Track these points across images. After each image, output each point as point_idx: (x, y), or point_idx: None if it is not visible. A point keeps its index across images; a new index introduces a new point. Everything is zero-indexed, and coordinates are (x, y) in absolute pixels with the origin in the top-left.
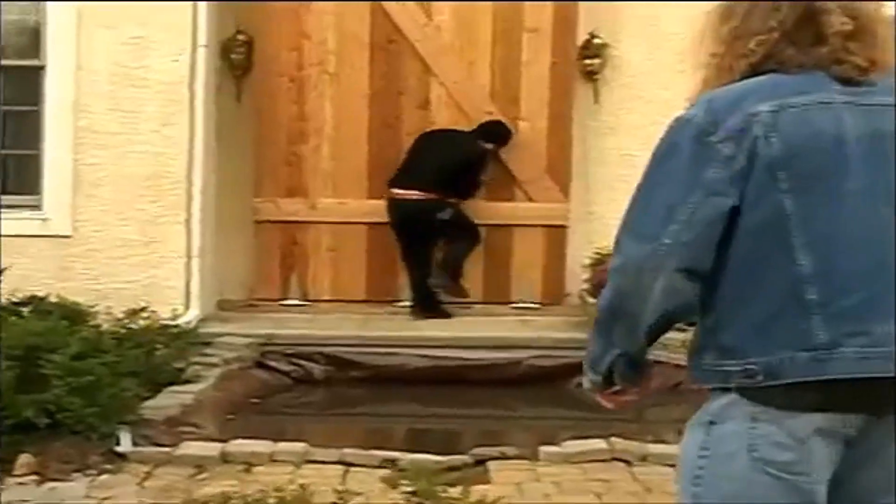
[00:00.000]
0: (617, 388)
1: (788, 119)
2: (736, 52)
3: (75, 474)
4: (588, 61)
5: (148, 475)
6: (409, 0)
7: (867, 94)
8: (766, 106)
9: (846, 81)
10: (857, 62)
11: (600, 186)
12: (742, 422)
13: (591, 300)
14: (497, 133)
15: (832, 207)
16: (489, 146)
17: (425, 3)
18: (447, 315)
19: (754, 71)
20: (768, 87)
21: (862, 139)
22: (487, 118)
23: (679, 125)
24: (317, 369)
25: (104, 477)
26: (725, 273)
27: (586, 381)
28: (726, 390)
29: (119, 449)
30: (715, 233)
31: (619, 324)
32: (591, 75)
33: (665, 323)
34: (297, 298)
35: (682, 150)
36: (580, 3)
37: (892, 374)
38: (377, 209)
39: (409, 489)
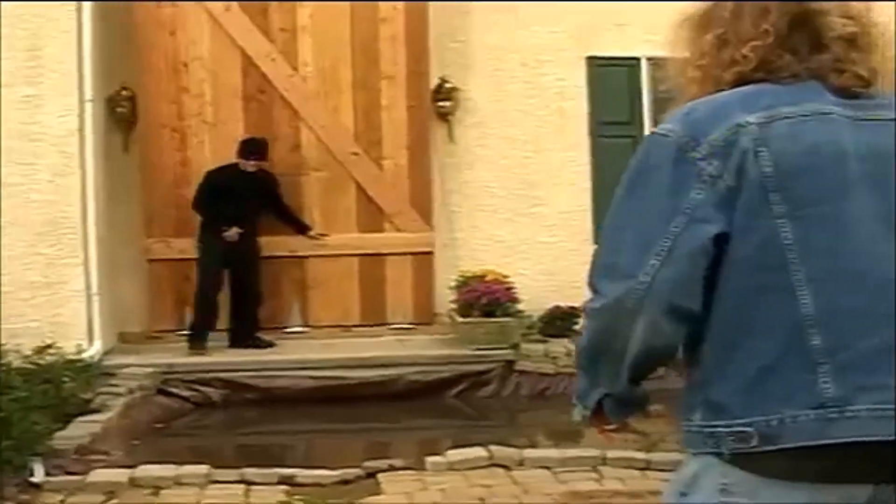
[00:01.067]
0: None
1: (781, 132)
2: (723, 60)
3: None
4: (441, 104)
5: (62, 503)
6: (276, 54)
7: (867, 107)
8: (755, 117)
9: (844, 93)
10: (859, 71)
11: (461, 215)
12: (711, 494)
13: (459, 318)
14: (257, 147)
15: (835, 236)
16: (253, 163)
17: (291, 55)
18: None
19: (744, 81)
20: (756, 96)
21: (863, 157)
22: (353, 159)
23: (652, 143)
24: (214, 394)
25: None
26: (714, 316)
27: (577, 413)
28: (703, 454)
29: (33, 479)
30: (700, 266)
31: (601, 364)
32: (444, 116)
33: (651, 363)
34: (189, 329)
35: (657, 172)
36: (430, 50)
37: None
38: (260, 244)
39: None
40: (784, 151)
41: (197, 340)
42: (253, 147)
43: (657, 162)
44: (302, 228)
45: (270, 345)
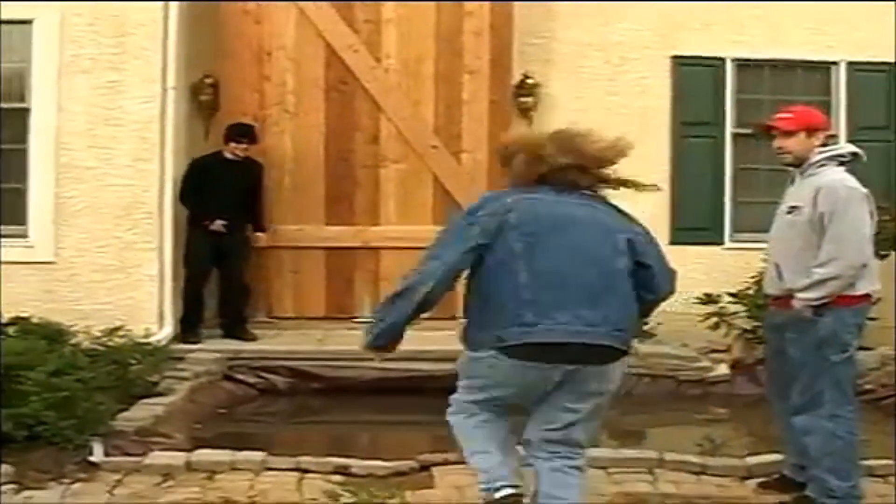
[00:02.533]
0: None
1: (521, 205)
2: (517, 174)
3: (51, 483)
4: (522, 99)
5: (118, 483)
6: (360, 45)
7: (572, 195)
8: (511, 199)
9: (560, 189)
10: (569, 179)
11: None
12: (484, 366)
13: None
14: (243, 132)
15: (543, 251)
16: (241, 149)
17: (374, 47)
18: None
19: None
20: (518, 191)
21: (561, 217)
22: (432, 152)
23: (462, 212)
24: (280, 381)
25: (77, 485)
26: (479, 285)
27: (368, 340)
28: (478, 350)
29: (92, 459)
30: (468, 260)
31: (402, 302)
32: (525, 112)
33: (427, 306)
34: (262, 316)
35: (461, 219)
36: (514, 45)
37: (566, 341)
38: (335, 235)
39: (350, 501)
40: (521, 213)
41: (188, 334)
42: (239, 131)
43: (458, 219)
44: (258, 227)
45: (254, 338)
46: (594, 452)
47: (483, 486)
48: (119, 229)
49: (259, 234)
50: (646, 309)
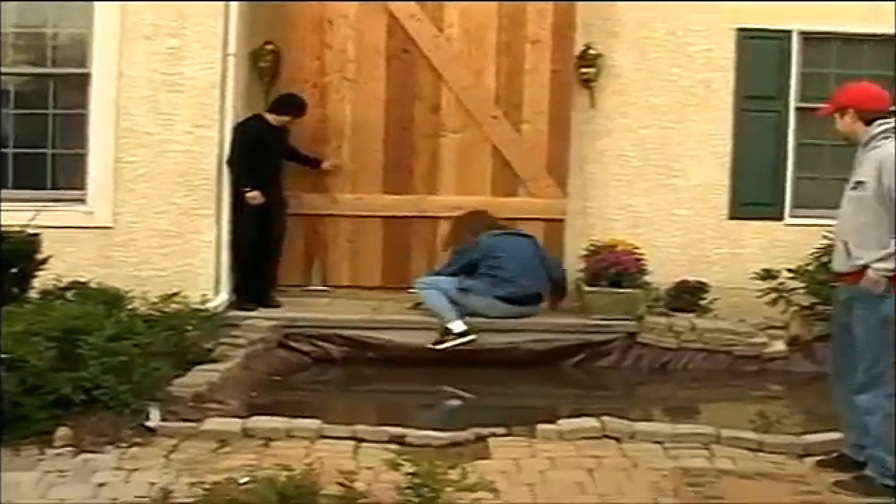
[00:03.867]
0: None
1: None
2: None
3: (108, 447)
4: (584, 70)
5: (174, 448)
6: (422, 14)
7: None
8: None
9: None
10: None
11: (596, 184)
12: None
13: (586, 287)
14: (291, 104)
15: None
16: (285, 118)
17: (436, 17)
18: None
19: None
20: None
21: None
22: (493, 122)
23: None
24: (335, 350)
25: (134, 450)
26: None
27: None
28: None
29: (149, 424)
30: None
31: None
32: (587, 83)
33: None
34: (317, 285)
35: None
36: (577, 16)
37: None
38: (393, 204)
39: (411, 471)
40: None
41: (244, 301)
42: (293, 104)
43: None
44: (315, 163)
45: (278, 305)
46: (651, 427)
47: None
48: (177, 195)
49: (326, 164)
50: None
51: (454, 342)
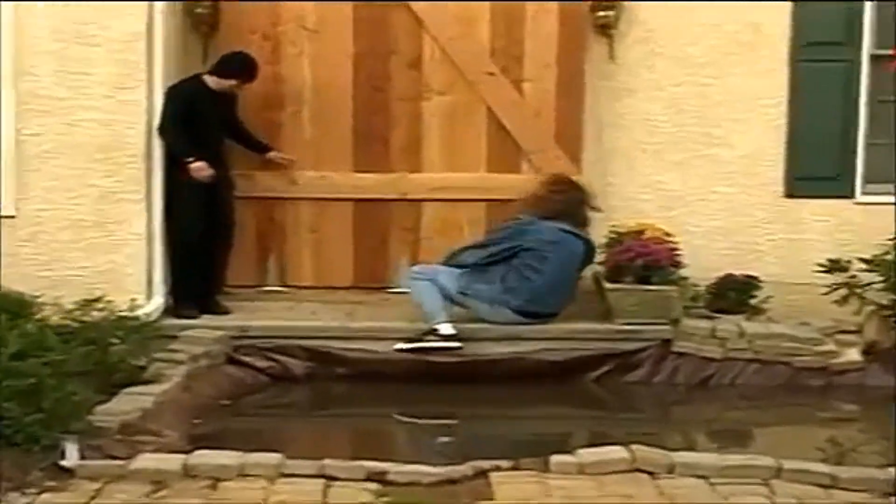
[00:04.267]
0: None
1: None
2: None
3: (12, 494)
4: (601, 13)
5: (97, 493)
6: None
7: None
8: None
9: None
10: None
11: (617, 155)
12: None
13: (608, 284)
14: (237, 66)
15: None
16: (230, 83)
17: None
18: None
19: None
20: None
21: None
22: (487, 80)
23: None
24: (297, 365)
25: (46, 496)
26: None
27: None
28: None
29: (64, 463)
30: None
31: None
32: (604, 29)
33: None
34: (274, 284)
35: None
36: None
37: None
38: (365, 184)
39: None
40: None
41: (183, 306)
42: (239, 65)
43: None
44: (262, 149)
45: (226, 311)
46: (693, 458)
47: None
48: (96, 175)
49: (275, 154)
50: None
51: (433, 344)
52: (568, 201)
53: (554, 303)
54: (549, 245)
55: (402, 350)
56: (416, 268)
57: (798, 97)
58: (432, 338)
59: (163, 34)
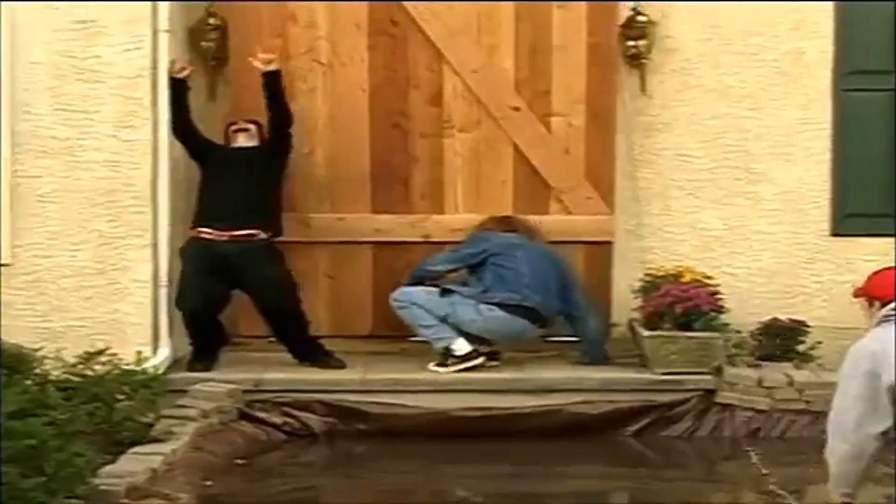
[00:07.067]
0: None
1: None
2: None
3: None
4: (632, 42)
5: None
6: None
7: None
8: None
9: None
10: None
11: (652, 193)
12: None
13: (645, 332)
14: None
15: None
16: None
17: None
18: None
19: None
20: None
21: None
22: (513, 115)
23: None
24: (315, 421)
25: None
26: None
27: None
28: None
29: None
30: None
31: None
32: (636, 59)
33: None
34: None
35: None
36: None
37: None
38: (385, 226)
39: None
40: None
41: (198, 359)
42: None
43: None
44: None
45: (340, 366)
46: None
47: None
48: (98, 220)
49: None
50: None
51: (459, 366)
52: (499, 225)
53: (543, 300)
54: (515, 248)
55: (437, 371)
56: (394, 295)
57: (843, 129)
58: (452, 360)
59: (167, 69)
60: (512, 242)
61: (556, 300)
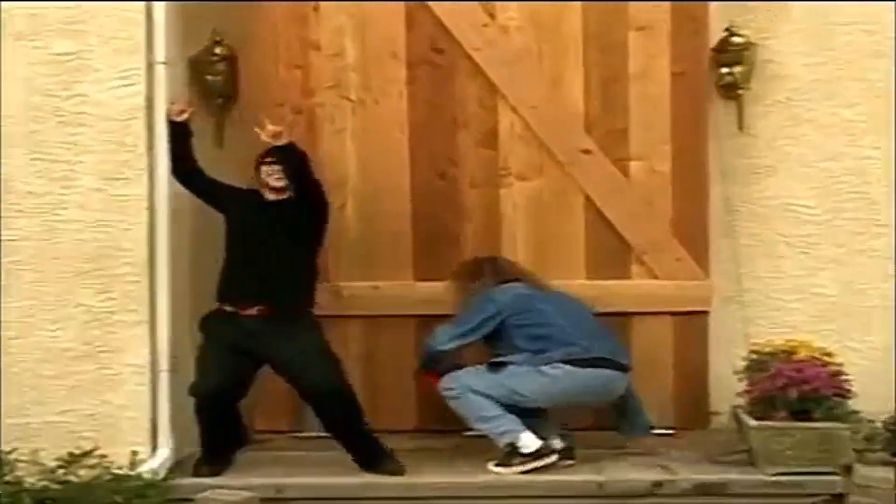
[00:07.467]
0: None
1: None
2: None
3: None
4: (727, 69)
5: None
6: None
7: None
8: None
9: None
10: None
11: (756, 252)
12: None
13: (752, 422)
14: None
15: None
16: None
17: None
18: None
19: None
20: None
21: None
22: (584, 159)
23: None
24: None
25: None
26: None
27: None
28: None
29: None
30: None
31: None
32: (731, 89)
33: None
34: (314, 430)
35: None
36: None
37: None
38: (430, 296)
39: None
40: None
41: (207, 461)
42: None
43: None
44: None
45: (400, 472)
46: None
47: None
48: (84, 291)
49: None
50: None
51: (528, 466)
52: (493, 275)
53: (601, 346)
54: (530, 299)
55: (499, 473)
56: (442, 383)
57: None
58: (518, 460)
59: (166, 109)
60: (520, 293)
61: (613, 340)
